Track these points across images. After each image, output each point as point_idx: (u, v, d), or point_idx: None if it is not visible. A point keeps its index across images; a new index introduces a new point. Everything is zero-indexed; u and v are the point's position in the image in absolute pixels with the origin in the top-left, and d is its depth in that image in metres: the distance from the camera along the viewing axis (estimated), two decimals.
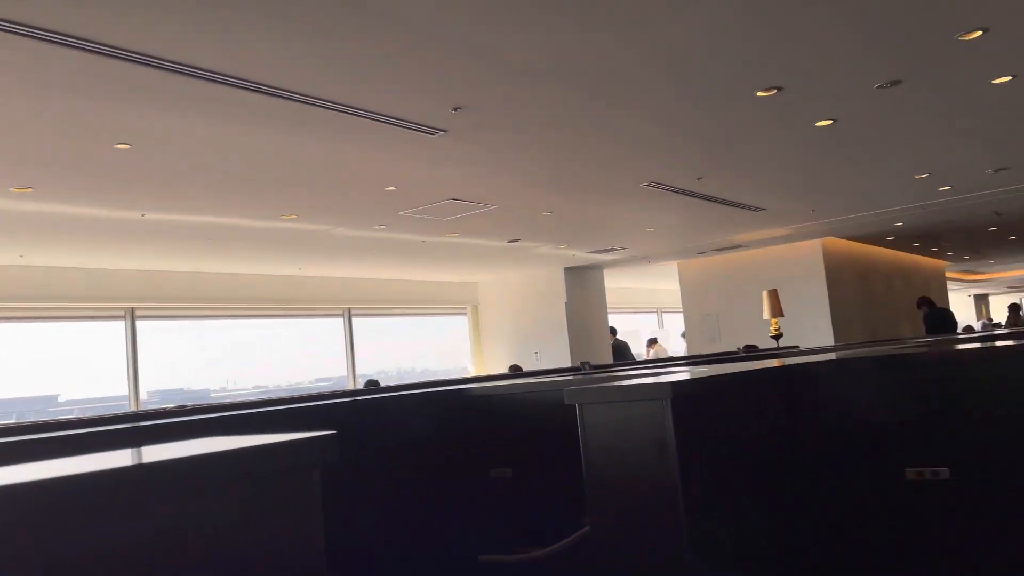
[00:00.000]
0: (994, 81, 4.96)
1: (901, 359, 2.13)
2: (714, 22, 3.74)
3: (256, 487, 1.01)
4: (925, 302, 11.19)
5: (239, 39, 3.48)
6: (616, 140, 5.66)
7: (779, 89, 4.77)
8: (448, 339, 13.64)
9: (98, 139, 4.60)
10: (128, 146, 4.76)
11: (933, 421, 2.08)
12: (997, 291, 28.49)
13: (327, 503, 1.11)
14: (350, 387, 11.02)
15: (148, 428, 1.91)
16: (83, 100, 4.01)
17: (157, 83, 3.84)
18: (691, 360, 5.56)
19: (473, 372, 12.96)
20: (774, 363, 2.66)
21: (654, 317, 18.04)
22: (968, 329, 14.16)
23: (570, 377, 3.14)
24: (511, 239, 9.39)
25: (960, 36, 4.14)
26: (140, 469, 0.96)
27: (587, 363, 4.89)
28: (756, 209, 8.81)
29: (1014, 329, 10.55)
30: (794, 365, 2.33)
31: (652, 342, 14.31)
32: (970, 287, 25.23)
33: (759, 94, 4.83)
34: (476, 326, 13.43)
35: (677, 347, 14.44)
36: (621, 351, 12.74)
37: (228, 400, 9.06)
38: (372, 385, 6.78)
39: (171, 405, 3.92)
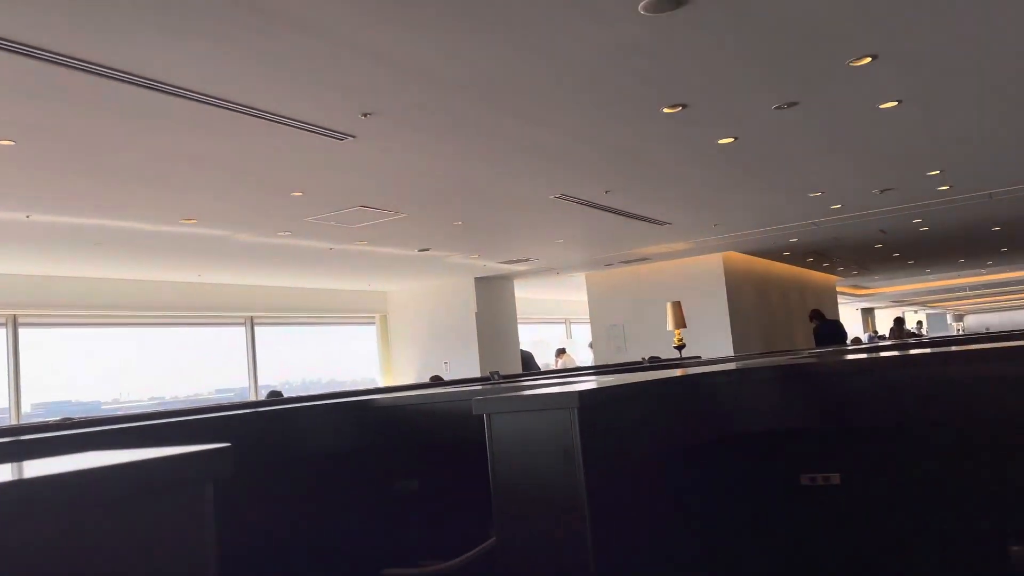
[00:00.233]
0: (881, 106, 5.25)
1: (796, 369, 2.21)
2: (621, 40, 3.82)
3: (142, 503, 0.96)
4: (816, 315, 11.72)
5: (130, 34, 3.33)
6: (526, 152, 5.71)
7: (684, 106, 4.91)
8: (356, 349, 13.40)
9: None
10: (12, 142, 4.49)
11: (826, 429, 2.17)
12: (882, 305, 30.20)
13: (223, 519, 1.06)
14: (251, 398, 10.68)
15: (29, 443, 1.79)
16: None
17: (45, 76, 3.64)
18: (598, 370, 5.64)
19: (382, 383, 12.77)
20: (677, 373, 2.72)
21: (563, 327, 18.27)
22: (856, 341, 14.97)
23: (479, 387, 3.13)
24: (421, 248, 9.33)
25: (851, 62, 4.37)
26: (16, 485, 0.90)
27: (496, 373, 4.89)
28: (661, 223, 9.04)
29: (898, 341, 11.20)
30: (696, 375, 2.39)
31: (560, 352, 14.46)
32: (859, 301, 26.65)
33: (665, 110, 4.96)
34: (385, 336, 13.26)
35: (585, 357, 14.64)
36: (526, 361, 12.82)
37: (119, 413, 8.63)
38: (274, 396, 6.58)
39: (56, 418, 3.69)
